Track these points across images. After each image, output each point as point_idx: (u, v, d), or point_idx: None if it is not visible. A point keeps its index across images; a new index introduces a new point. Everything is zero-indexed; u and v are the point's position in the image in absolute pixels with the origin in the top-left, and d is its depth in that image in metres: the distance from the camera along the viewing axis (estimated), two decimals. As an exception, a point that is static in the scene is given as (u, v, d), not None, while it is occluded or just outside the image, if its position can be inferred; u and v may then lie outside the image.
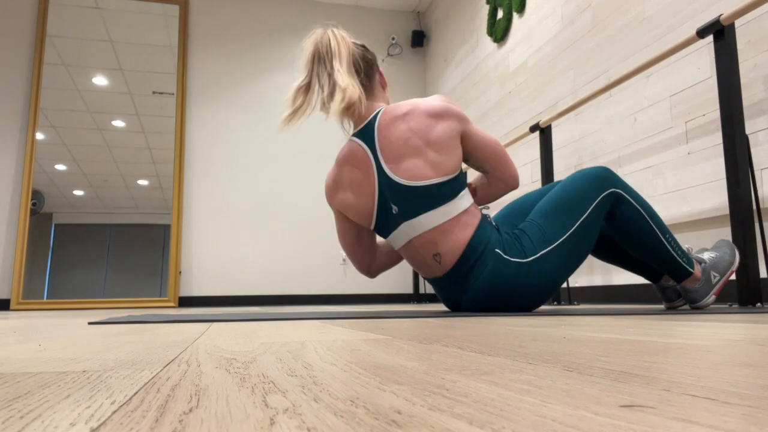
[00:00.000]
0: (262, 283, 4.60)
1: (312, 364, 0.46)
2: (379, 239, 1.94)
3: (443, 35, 4.91)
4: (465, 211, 1.49)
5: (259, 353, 0.55)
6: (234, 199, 4.65)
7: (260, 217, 4.68)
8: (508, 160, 1.56)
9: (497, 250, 1.49)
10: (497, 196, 1.61)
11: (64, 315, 2.24)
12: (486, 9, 4.13)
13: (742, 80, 2.08)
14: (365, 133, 1.53)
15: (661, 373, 0.37)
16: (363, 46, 1.64)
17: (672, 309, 1.67)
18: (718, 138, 2.17)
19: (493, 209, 3.89)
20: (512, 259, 1.48)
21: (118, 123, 4.56)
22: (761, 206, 1.98)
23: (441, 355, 0.50)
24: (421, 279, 4.72)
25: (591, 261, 2.94)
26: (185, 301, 4.43)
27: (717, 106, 2.18)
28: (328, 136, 4.87)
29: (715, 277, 1.60)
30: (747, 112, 2.05)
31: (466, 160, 1.57)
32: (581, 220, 1.51)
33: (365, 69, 1.59)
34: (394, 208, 1.50)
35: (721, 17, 1.80)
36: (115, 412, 0.28)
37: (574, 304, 2.68)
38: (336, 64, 1.51)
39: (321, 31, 1.57)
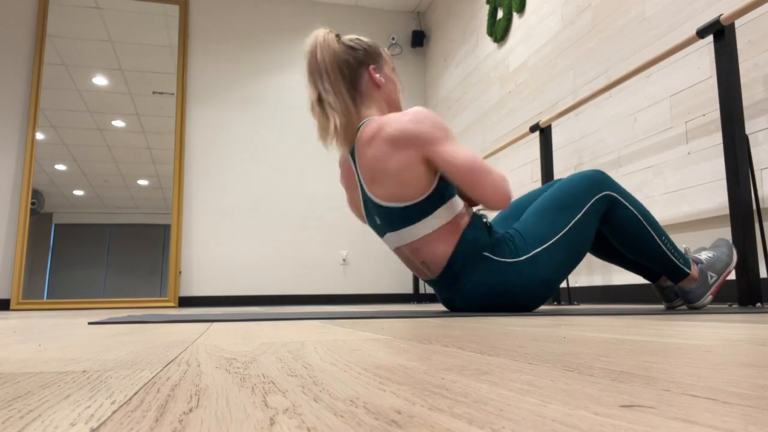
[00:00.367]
0: (262, 283, 4.60)
1: (312, 364, 0.46)
2: None
3: (443, 35, 4.91)
4: (448, 223, 1.48)
5: (259, 353, 0.55)
6: (234, 199, 4.65)
7: (260, 217, 4.68)
8: (480, 184, 1.41)
9: (485, 253, 1.50)
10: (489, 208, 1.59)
11: (64, 315, 2.24)
12: (486, 9, 4.13)
13: (742, 80, 2.08)
14: (352, 146, 1.55)
15: (661, 373, 0.37)
16: (350, 47, 1.57)
17: (671, 309, 1.67)
18: (718, 138, 2.17)
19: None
20: (502, 260, 1.49)
21: (118, 123, 4.56)
22: (761, 206, 1.98)
23: (441, 355, 0.50)
24: (420, 279, 4.71)
25: (591, 261, 2.94)
26: (185, 301, 4.43)
27: (717, 106, 2.18)
28: (328, 136, 4.86)
29: (712, 277, 1.60)
30: (747, 112, 2.05)
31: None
32: (574, 220, 1.51)
33: (350, 76, 1.55)
34: (377, 220, 1.55)
35: (721, 17, 1.80)
36: (115, 412, 0.28)
37: (574, 304, 2.68)
38: (325, 83, 1.50)
39: (311, 39, 1.54)
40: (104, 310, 3.36)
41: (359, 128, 1.52)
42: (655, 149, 2.48)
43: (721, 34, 1.81)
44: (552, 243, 1.50)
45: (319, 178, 4.84)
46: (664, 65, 2.44)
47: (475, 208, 1.70)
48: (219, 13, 4.87)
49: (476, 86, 4.27)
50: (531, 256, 1.49)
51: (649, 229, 1.54)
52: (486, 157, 3.57)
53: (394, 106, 1.63)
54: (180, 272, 4.43)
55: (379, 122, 1.46)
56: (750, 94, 2.06)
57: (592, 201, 1.52)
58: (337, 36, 1.59)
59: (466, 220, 1.51)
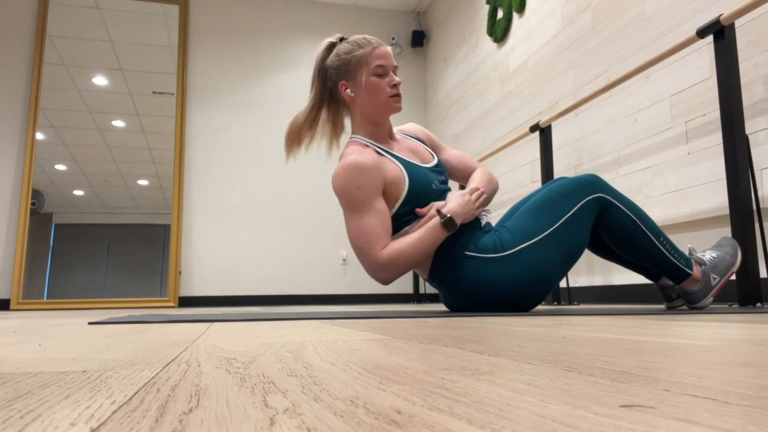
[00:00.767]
0: (262, 283, 4.60)
1: (312, 364, 0.46)
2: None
3: (443, 35, 4.91)
4: None
5: (259, 353, 0.55)
6: (234, 199, 4.65)
7: (260, 217, 4.68)
8: (361, 259, 1.52)
9: (468, 252, 1.53)
10: None
11: (64, 315, 2.24)
12: (486, 9, 4.13)
13: (742, 80, 2.08)
14: None
15: (661, 373, 0.37)
16: (329, 67, 1.61)
17: (672, 309, 1.67)
18: (718, 138, 2.17)
19: (494, 211, 3.89)
20: (486, 256, 1.52)
21: (118, 123, 4.56)
22: (761, 206, 1.98)
23: (441, 355, 0.50)
24: (421, 279, 4.72)
25: (591, 261, 2.94)
26: (185, 301, 4.43)
27: (717, 106, 2.18)
28: (328, 136, 4.87)
29: (714, 279, 1.60)
30: (747, 112, 2.05)
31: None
32: (565, 218, 1.52)
33: (330, 88, 1.64)
34: None
35: (721, 17, 1.80)
36: (115, 412, 0.28)
37: (574, 304, 2.68)
38: (310, 97, 1.67)
39: (318, 49, 1.65)
40: (104, 310, 3.36)
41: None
42: (655, 149, 2.48)
43: (721, 34, 1.81)
44: (539, 239, 1.51)
45: (320, 178, 4.84)
46: (664, 65, 2.44)
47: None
48: (219, 12, 4.87)
49: (476, 86, 4.27)
50: (516, 251, 1.51)
51: (645, 230, 1.55)
52: (486, 157, 3.57)
53: (380, 110, 1.59)
54: (180, 272, 4.43)
55: (341, 154, 1.58)
56: (750, 94, 2.06)
57: (582, 202, 1.53)
58: (335, 44, 1.64)
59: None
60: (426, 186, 1.54)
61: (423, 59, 5.32)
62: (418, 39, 5.17)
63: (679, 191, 2.34)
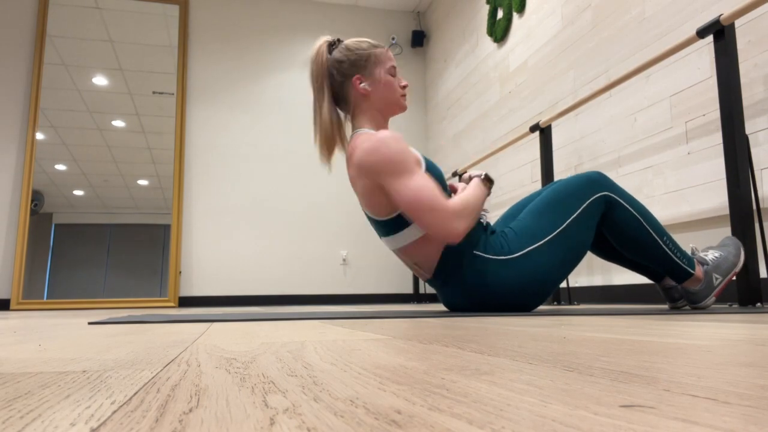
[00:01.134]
0: (262, 283, 4.60)
1: (312, 364, 0.46)
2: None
3: (443, 35, 4.91)
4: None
5: (259, 353, 0.55)
6: (234, 199, 4.65)
7: (260, 217, 4.68)
8: (425, 220, 1.40)
9: (476, 252, 1.52)
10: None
11: (64, 315, 2.24)
12: (486, 9, 4.13)
13: (742, 80, 2.08)
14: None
15: (661, 373, 0.37)
16: (336, 60, 1.59)
17: (675, 309, 1.67)
18: (718, 138, 2.17)
19: (494, 211, 3.89)
20: (494, 257, 1.51)
21: (118, 123, 4.56)
22: (761, 206, 1.98)
23: (441, 355, 0.50)
24: (421, 279, 4.71)
25: (591, 261, 2.94)
26: (185, 301, 4.43)
27: (717, 106, 2.18)
28: (328, 136, 4.87)
29: (717, 279, 1.60)
30: (747, 112, 2.05)
31: None
32: (570, 219, 1.52)
33: (336, 89, 1.61)
34: (372, 225, 1.64)
35: (721, 17, 1.80)
36: (115, 412, 0.28)
37: (574, 304, 2.68)
38: (314, 101, 1.60)
39: (311, 53, 1.61)
40: (104, 310, 3.36)
41: (350, 140, 1.59)
42: (655, 149, 2.48)
43: (721, 34, 1.81)
44: (546, 241, 1.51)
45: (320, 178, 4.84)
46: (664, 65, 2.44)
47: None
48: (219, 12, 4.87)
49: (476, 86, 4.27)
50: (523, 254, 1.50)
51: (649, 229, 1.54)
52: (486, 157, 3.57)
53: (392, 107, 1.63)
54: (180, 272, 4.43)
55: (354, 144, 1.53)
56: (750, 94, 2.06)
57: (588, 201, 1.53)
58: (334, 44, 1.63)
59: None
60: (440, 174, 1.55)
61: (423, 59, 5.32)
62: (418, 39, 5.17)
63: (679, 191, 2.34)
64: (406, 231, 1.51)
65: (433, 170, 1.53)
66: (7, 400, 0.31)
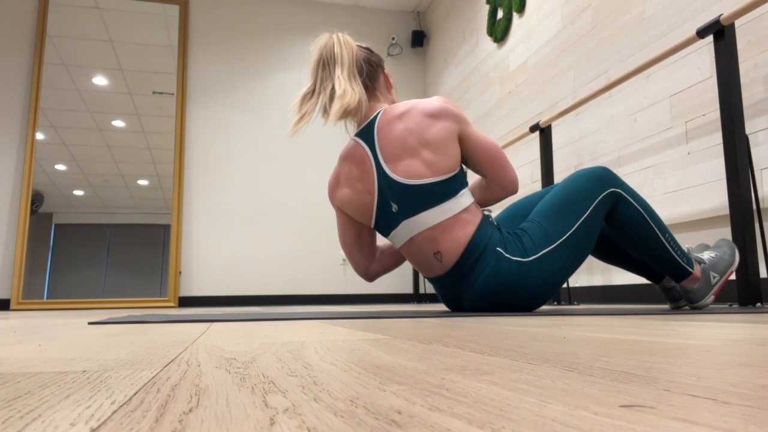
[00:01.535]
0: (262, 283, 4.60)
1: (312, 364, 0.46)
2: (380, 242, 1.97)
3: (443, 35, 4.91)
4: (465, 209, 1.50)
5: (259, 353, 0.55)
6: (234, 199, 4.65)
7: (260, 217, 4.68)
8: (506, 165, 1.55)
9: (498, 249, 1.49)
10: (495, 200, 1.60)
11: (64, 315, 2.24)
12: (486, 9, 4.13)
13: (742, 80, 2.08)
14: (366, 133, 1.56)
15: (661, 373, 0.37)
16: (368, 49, 1.67)
17: (676, 309, 1.67)
18: (718, 138, 2.17)
19: (494, 211, 3.89)
20: (514, 258, 1.49)
21: (118, 123, 4.56)
22: (761, 206, 1.98)
23: (441, 355, 0.50)
24: (421, 279, 4.72)
25: (591, 261, 2.94)
26: (185, 301, 4.43)
27: (717, 106, 2.18)
28: (328, 137, 4.87)
29: (714, 277, 1.60)
30: (747, 112, 2.05)
31: (464, 162, 1.57)
32: (582, 219, 1.51)
33: (368, 71, 1.62)
34: (394, 206, 1.52)
35: (721, 17, 1.80)
36: (115, 412, 0.28)
37: (574, 304, 2.68)
38: (338, 70, 1.55)
39: (326, 36, 1.61)
40: (104, 310, 3.36)
41: (378, 114, 1.56)
42: (655, 149, 2.48)
43: (721, 34, 1.81)
44: (559, 244, 1.50)
45: (319, 178, 4.84)
46: (664, 65, 2.44)
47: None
48: (219, 12, 4.87)
49: (476, 86, 4.27)
50: (538, 257, 1.49)
51: (654, 226, 1.54)
52: (486, 157, 3.57)
53: None
54: (180, 272, 4.43)
55: (408, 103, 1.54)
56: (750, 94, 2.06)
57: (598, 199, 1.52)
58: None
59: (480, 213, 1.54)
60: None
61: (423, 59, 5.32)
62: (418, 39, 5.17)
63: (679, 191, 2.34)
64: (448, 203, 1.47)
65: None
66: (7, 400, 0.31)
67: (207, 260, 4.52)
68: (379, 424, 0.24)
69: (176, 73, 4.66)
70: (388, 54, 5.20)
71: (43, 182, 4.35)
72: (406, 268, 4.90)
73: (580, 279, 3.02)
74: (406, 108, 1.52)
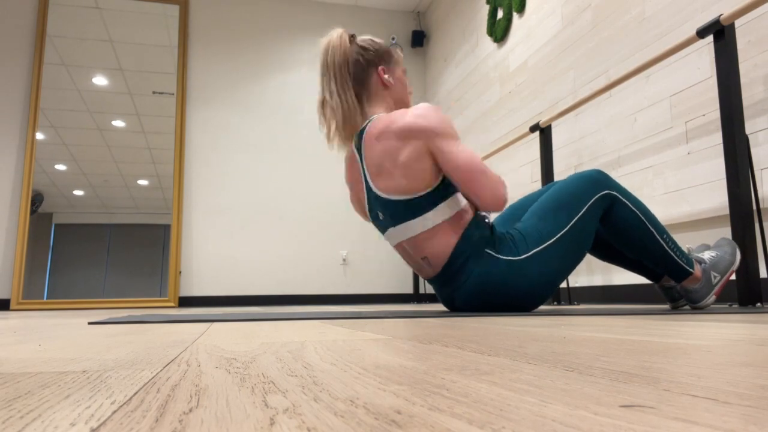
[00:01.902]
0: (262, 283, 4.60)
1: (312, 364, 0.46)
2: None
3: (443, 35, 4.91)
4: (450, 219, 1.50)
5: (259, 353, 0.55)
6: (234, 199, 4.65)
7: (260, 217, 4.68)
8: (481, 184, 1.45)
9: (487, 250, 1.50)
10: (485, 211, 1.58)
11: (64, 315, 2.24)
12: (486, 9, 4.13)
13: (742, 80, 2.08)
14: (358, 141, 1.58)
15: (661, 373, 0.37)
16: (361, 47, 1.62)
17: (676, 309, 1.67)
18: (718, 138, 2.17)
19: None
20: (503, 257, 1.49)
21: (118, 123, 4.56)
22: (761, 206, 1.98)
23: (441, 355, 0.50)
24: (421, 279, 4.72)
25: (591, 261, 2.94)
26: (185, 301, 4.43)
27: (717, 106, 2.18)
28: (328, 136, 4.87)
29: (715, 277, 1.60)
30: (747, 112, 2.05)
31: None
32: (575, 219, 1.52)
33: (358, 75, 1.60)
34: (380, 215, 1.57)
35: (721, 17, 1.80)
36: (115, 412, 0.28)
37: (574, 304, 2.68)
38: (331, 84, 1.55)
39: (325, 41, 1.60)
40: (104, 310, 3.36)
41: (366, 125, 1.56)
42: (655, 149, 2.48)
43: (721, 34, 1.81)
44: (552, 242, 1.50)
45: (319, 178, 4.84)
46: (664, 65, 2.44)
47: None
48: (219, 13, 4.87)
49: (476, 86, 4.27)
50: (530, 255, 1.49)
51: (650, 227, 1.54)
52: (486, 157, 3.57)
53: (400, 106, 1.67)
54: (180, 272, 4.43)
55: (389, 118, 1.50)
56: (750, 94, 2.06)
57: (592, 200, 1.53)
58: (352, 36, 1.65)
59: (468, 217, 1.52)
60: None
61: (423, 59, 5.32)
62: (418, 39, 5.17)
63: (679, 191, 2.34)
64: (427, 215, 1.47)
65: None
66: (7, 400, 0.31)
67: (207, 260, 4.52)
68: (379, 424, 0.24)
69: (176, 73, 4.66)
70: (388, 54, 5.20)
71: (43, 182, 4.35)
72: (406, 268, 4.90)
73: (580, 279, 3.02)
74: (383, 126, 1.50)
